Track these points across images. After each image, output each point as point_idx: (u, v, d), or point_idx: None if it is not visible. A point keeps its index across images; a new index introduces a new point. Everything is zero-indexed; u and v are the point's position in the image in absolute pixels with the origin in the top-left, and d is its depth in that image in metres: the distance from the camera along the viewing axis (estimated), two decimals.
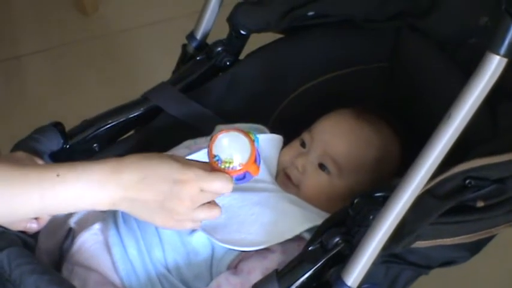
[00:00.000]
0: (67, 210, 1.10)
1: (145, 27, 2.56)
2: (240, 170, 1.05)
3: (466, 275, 1.74)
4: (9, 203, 1.00)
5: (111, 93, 2.05)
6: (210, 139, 1.07)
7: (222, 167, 1.05)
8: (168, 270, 1.17)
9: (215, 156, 1.05)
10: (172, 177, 1.02)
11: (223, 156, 1.05)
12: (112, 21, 2.59)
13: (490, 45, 0.85)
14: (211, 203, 1.06)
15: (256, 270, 1.11)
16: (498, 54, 0.85)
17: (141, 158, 1.04)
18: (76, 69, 2.44)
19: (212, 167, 1.05)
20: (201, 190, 1.03)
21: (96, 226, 1.20)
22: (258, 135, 1.13)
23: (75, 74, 2.43)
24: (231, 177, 1.05)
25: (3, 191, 0.99)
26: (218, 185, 1.03)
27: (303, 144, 1.32)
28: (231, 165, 1.05)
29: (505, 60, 0.85)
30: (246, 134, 1.07)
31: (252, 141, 1.06)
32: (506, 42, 0.84)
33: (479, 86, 0.87)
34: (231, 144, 1.06)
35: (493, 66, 0.85)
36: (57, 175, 1.01)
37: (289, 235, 1.15)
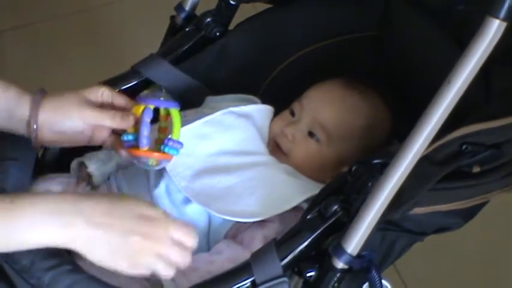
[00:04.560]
0: (17, 243, 0.95)
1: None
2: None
3: None
4: None
5: (94, 68, 2.03)
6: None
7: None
8: None
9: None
10: (140, 212, 0.98)
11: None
12: None
13: (490, 9, 0.85)
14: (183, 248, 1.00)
15: (255, 240, 1.11)
16: (498, 18, 0.84)
17: (104, 194, 1.05)
18: (57, 46, 2.41)
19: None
20: (169, 233, 0.98)
21: None
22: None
23: (57, 51, 2.40)
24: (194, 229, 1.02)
25: None
26: (185, 230, 1.00)
27: (292, 113, 1.32)
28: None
29: (504, 24, 0.85)
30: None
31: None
32: (506, 6, 0.84)
33: (478, 50, 0.86)
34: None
35: (492, 30, 0.85)
36: (10, 201, 0.94)
37: (288, 206, 1.15)
